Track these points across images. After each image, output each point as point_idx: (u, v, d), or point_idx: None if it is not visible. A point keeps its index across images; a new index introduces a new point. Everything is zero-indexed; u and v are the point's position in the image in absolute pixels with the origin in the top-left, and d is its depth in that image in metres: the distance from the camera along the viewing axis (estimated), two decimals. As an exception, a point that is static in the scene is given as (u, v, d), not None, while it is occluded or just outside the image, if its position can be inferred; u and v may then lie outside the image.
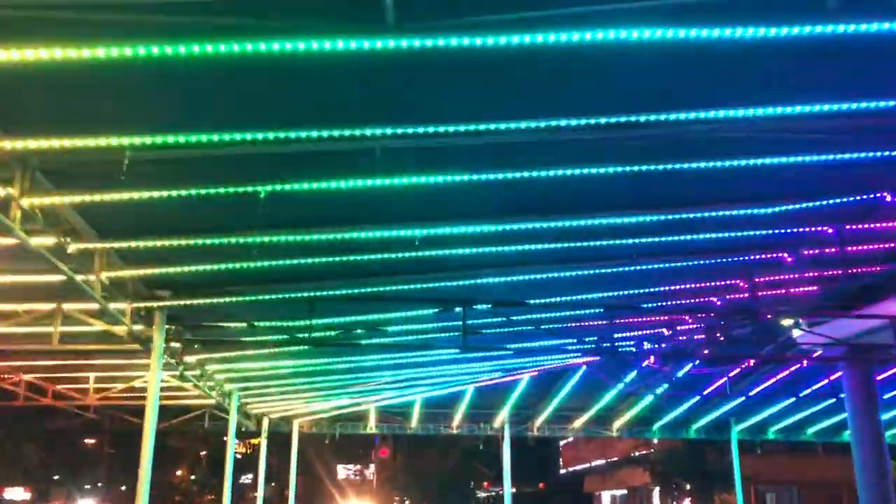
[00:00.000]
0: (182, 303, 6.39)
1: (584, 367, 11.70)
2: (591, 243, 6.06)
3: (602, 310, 8.13)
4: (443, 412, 14.37)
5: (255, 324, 7.20)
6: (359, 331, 7.73)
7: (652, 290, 7.73)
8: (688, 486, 25.57)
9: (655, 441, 30.97)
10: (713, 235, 6.17)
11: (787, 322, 9.24)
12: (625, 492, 42.70)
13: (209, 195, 4.39)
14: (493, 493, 35.13)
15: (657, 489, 36.41)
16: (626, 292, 7.76)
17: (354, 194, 4.71)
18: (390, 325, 7.70)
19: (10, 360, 9.15)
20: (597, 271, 6.79)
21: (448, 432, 14.77)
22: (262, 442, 13.17)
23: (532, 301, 7.32)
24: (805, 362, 10.18)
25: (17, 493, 50.00)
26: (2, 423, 19.45)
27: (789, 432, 14.93)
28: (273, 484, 34.49)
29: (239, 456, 23.16)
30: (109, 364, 9.27)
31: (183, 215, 4.90)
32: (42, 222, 4.41)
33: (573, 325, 8.68)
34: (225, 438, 11.04)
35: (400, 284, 6.79)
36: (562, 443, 46.47)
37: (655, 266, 6.83)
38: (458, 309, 7.35)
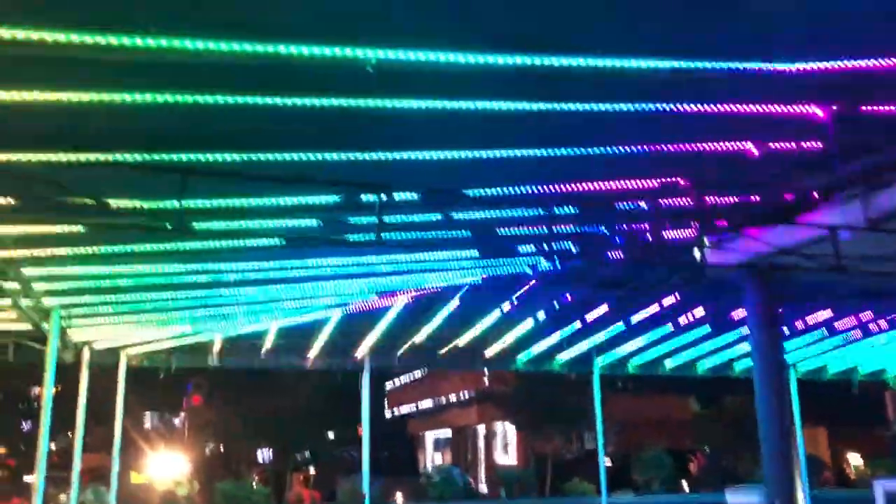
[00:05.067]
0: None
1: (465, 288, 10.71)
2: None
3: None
4: (299, 343, 12.87)
5: (105, 201, 5.36)
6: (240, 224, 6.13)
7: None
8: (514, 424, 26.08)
9: (485, 380, 31.27)
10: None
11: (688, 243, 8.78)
12: (449, 434, 43.28)
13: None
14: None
15: (482, 427, 37.16)
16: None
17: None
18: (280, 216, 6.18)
19: None
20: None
21: (302, 367, 13.33)
22: (83, 375, 10.95)
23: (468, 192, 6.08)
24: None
25: None
26: None
27: (648, 367, 14.95)
28: (70, 433, 30.38)
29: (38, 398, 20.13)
30: None
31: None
32: None
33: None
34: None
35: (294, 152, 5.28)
36: (388, 386, 46.39)
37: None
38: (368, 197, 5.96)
